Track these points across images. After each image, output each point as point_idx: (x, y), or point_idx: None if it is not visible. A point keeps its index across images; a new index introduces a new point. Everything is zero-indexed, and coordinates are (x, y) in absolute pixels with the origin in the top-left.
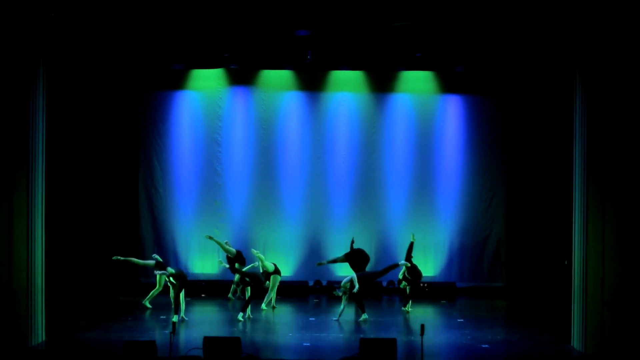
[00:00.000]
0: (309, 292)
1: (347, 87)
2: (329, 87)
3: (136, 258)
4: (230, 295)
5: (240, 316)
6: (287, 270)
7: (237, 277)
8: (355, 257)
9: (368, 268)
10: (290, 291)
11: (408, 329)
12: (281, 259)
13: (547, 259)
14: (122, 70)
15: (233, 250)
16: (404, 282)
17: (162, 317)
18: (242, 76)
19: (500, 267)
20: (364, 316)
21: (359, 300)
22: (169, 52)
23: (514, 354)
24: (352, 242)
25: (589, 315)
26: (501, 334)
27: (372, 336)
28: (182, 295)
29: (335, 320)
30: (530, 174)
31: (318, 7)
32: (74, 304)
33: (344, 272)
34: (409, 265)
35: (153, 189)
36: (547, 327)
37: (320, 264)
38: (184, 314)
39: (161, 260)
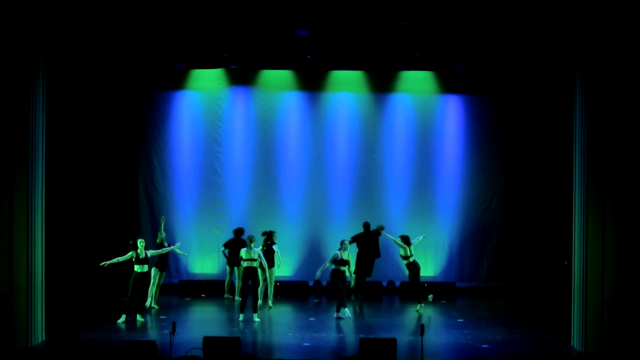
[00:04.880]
0: (308, 292)
1: (347, 87)
2: (329, 87)
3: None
4: (227, 294)
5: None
6: (287, 270)
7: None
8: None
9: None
10: (290, 291)
11: (408, 329)
12: (281, 258)
13: (547, 258)
14: (123, 70)
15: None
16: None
17: (162, 317)
18: (242, 76)
19: (500, 267)
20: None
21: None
22: (169, 52)
23: (514, 354)
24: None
25: (589, 315)
26: (501, 334)
27: (372, 336)
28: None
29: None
30: (531, 173)
31: (318, 7)
32: (74, 304)
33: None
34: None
35: (153, 189)
36: (547, 327)
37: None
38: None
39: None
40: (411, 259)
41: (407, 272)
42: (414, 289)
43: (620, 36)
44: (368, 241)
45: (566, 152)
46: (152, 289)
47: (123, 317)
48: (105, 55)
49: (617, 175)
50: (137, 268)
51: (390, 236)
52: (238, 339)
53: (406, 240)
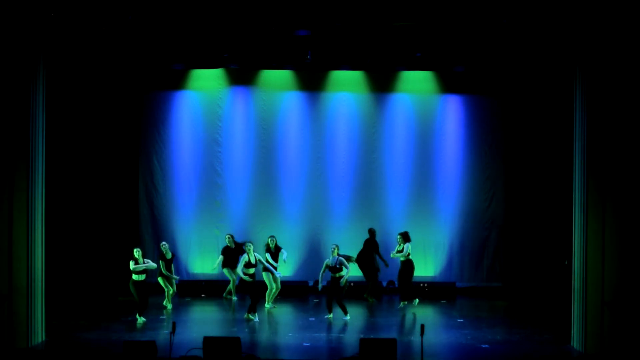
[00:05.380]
0: (308, 292)
1: (347, 87)
2: (329, 87)
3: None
4: (226, 294)
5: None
6: (287, 270)
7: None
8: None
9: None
10: (290, 291)
11: (408, 329)
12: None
13: (547, 259)
14: (122, 70)
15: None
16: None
17: (162, 317)
18: (242, 76)
19: (500, 267)
20: (330, 316)
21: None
22: (169, 52)
23: (514, 354)
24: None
25: (589, 315)
26: (501, 334)
27: (372, 336)
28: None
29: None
30: (530, 174)
31: (318, 7)
32: (74, 304)
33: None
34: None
35: (153, 189)
36: (547, 327)
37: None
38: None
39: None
40: (410, 256)
41: (400, 267)
42: (409, 287)
43: (620, 36)
44: (372, 247)
45: (566, 152)
46: (169, 293)
47: (141, 319)
48: (105, 55)
49: (617, 175)
50: (135, 277)
51: (396, 254)
52: (238, 339)
53: (406, 237)
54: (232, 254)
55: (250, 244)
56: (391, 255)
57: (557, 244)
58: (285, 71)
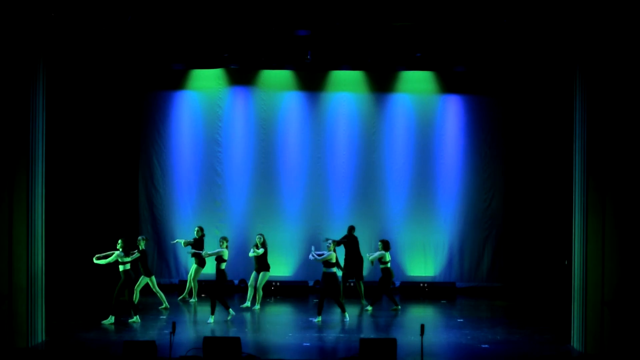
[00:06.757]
0: (308, 292)
1: (347, 87)
2: (329, 87)
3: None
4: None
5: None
6: (287, 270)
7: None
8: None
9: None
10: (290, 291)
11: (408, 329)
12: (281, 259)
13: (547, 259)
14: (123, 70)
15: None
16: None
17: (162, 317)
18: (242, 76)
19: (500, 267)
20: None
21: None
22: (169, 52)
23: (514, 354)
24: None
25: (589, 315)
26: (501, 334)
27: (372, 336)
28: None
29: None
30: (531, 173)
31: (318, 7)
32: (74, 304)
33: None
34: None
35: (153, 189)
36: (547, 327)
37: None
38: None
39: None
40: (388, 264)
41: (380, 274)
42: (384, 293)
43: (620, 36)
44: (354, 244)
45: (566, 152)
46: (158, 291)
47: (112, 319)
48: (105, 55)
49: (617, 175)
50: (123, 268)
51: (372, 256)
52: (238, 339)
53: (386, 245)
54: (196, 245)
55: (224, 241)
56: (369, 258)
57: (557, 243)
58: (285, 71)
